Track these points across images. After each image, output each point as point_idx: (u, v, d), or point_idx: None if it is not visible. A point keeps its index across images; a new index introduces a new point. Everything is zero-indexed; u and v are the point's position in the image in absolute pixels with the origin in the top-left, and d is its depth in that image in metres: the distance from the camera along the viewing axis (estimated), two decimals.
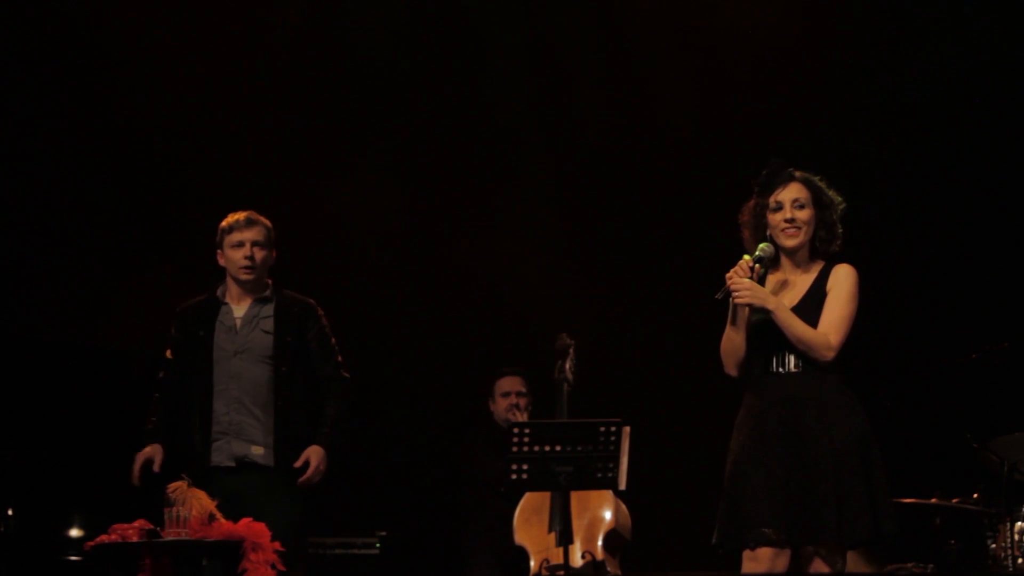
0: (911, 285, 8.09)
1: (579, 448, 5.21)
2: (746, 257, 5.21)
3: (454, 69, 8.30)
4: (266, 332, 6.05)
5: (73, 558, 6.61)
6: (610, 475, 5.27)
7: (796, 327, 5.13)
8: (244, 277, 6.07)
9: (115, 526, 5.34)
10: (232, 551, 5.27)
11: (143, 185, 7.92)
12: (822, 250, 5.28)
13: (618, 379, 7.73)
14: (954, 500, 6.80)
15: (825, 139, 7.87)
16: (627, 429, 5.30)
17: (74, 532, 6.67)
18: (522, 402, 7.20)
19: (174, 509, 5.25)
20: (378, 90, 8.19)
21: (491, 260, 8.15)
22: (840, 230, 5.28)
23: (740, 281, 5.14)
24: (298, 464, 5.96)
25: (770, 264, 5.29)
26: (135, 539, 5.28)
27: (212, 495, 5.42)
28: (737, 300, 5.15)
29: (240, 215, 6.11)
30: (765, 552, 5.05)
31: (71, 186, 7.85)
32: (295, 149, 8.09)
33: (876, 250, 8.03)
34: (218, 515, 5.32)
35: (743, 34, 8.09)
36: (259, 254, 6.06)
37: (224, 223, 6.12)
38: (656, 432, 6.49)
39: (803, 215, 5.26)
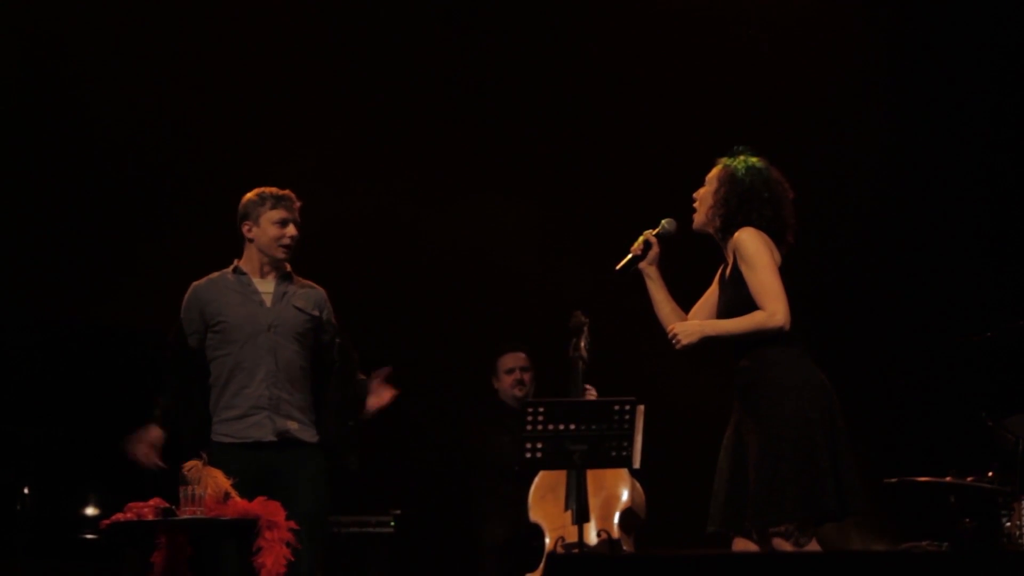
0: (927, 263, 8.06)
1: (593, 427, 5.22)
2: (647, 232, 5.25)
3: (447, 51, 8.27)
4: (298, 309, 5.92)
5: (89, 536, 6.63)
6: (624, 454, 5.28)
7: (734, 328, 5.08)
8: (282, 256, 5.92)
9: (130, 504, 5.34)
10: (247, 529, 5.28)
11: (152, 174, 7.92)
12: (726, 227, 5.16)
13: (633, 357, 7.71)
14: (969, 478, 6.79)
15: (843, 118, 7.86)
16: (641, 408, 5.31)
17: (90, 510, 6.69)
18: (526, 377, 7.18)
19: (189, 488, 5.26)
20: (376, 72, 8.16)
21: (499, 236, 8.13)
22: (749, 205, 5.12)
23: (674, 338, 5.13)
24: (380, 378, 6.02)
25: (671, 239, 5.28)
26: (150, 517, 5.29)
27: (237, 470, 5.41)
28: (678, 348, 5.14)
29: (281, 191, 5.92)
30: (735, 539, 5.11)
31: (87, 175, 7.85)
32: (293, 134, 8.05)
33: (893, 228, 8.04)
34: (233, 493, 5.32)
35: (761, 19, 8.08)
36: (297, 233, 5.94)
37: (262, 194, 5.91)
38: (670, 411, 6.48)
39: (698, 193, 5.27)
